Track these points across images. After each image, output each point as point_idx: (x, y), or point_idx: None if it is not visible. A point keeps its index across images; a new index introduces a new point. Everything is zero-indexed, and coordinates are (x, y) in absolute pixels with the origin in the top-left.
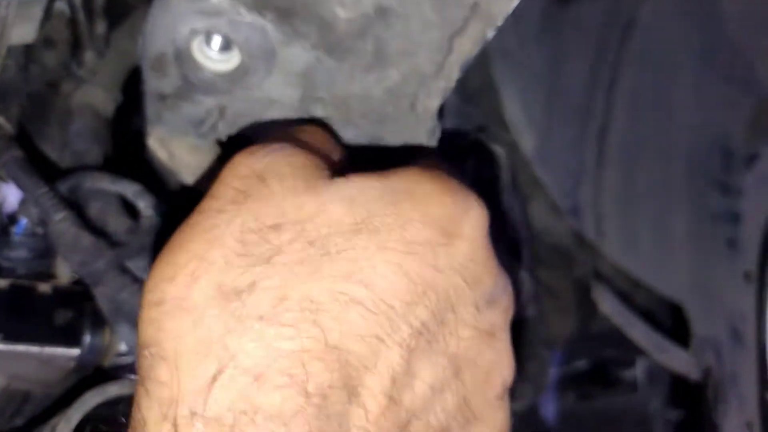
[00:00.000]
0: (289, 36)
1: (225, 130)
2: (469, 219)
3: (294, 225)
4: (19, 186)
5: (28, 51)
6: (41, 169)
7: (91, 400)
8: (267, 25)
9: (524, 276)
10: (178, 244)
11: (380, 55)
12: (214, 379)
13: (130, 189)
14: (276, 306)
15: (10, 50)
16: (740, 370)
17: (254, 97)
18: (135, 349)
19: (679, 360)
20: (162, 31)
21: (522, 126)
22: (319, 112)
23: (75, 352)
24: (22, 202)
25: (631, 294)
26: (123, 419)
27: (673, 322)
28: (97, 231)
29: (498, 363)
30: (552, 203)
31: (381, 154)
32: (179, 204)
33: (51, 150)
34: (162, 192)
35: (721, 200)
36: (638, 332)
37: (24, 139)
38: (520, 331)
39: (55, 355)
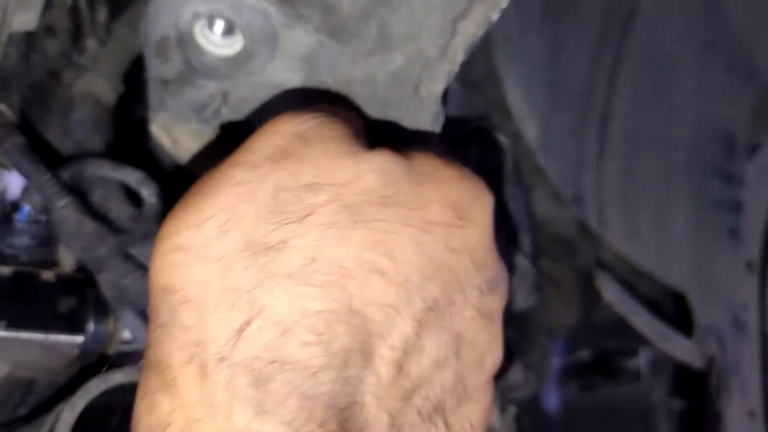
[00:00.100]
0: (292, 19)
1: (228, 116)
2: (480, 205)
3: (331, 187)
4: (22, 173)
5: (29, 39)
6: (43, 157)
7: (95, 387)
8: (269, 8)
9: (526, 265)
10: (207, 193)
11: (384, 39)
12: (242, 328)
13: (132, 176)
14: (306, 266)
15: (12, 38)
16: (743, 358)
17: (257, 82)
18: (139, 336)
19: (682, 349)
20: (164, 14)
21: (524, 114)
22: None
23: (79, 339)
24: (25, 189)
25: (633, 283)
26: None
27: (676, 311)
28: (100, 218)
29: (492, 346)
30: (555, 192)
31: (385, 135)
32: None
33: (53, 139)
34: (165, 180)
35: (723, 189)
36: (641, 321)
37: (26, 127)
38: (523, 321)
39: (59, 342)
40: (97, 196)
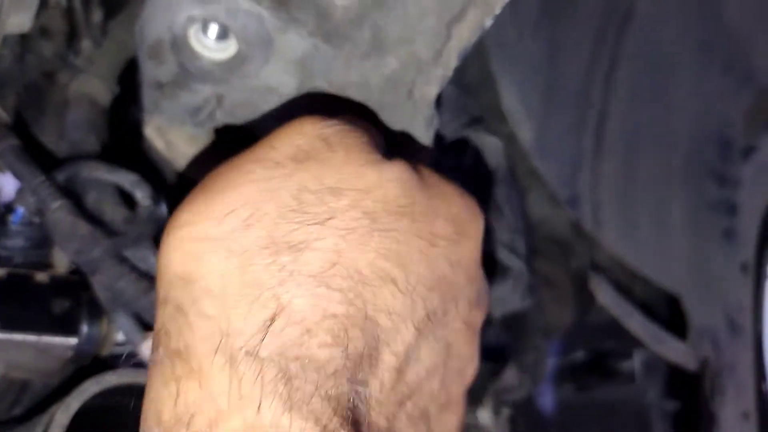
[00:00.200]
0: (286, 23)
1: (222, 119)
2: (475, 223)
3: (352, 192)
4: (16, 175)
5: (24, 40)
6: (38, 159)
7: (89, 389)
8: (263, 12)
9: (521, 266)
10: (228, 186)
11: (378, 43)
12: (266, 324)
13: (127, 178)
14: (327, 269)
15: (6, 39)
16: (737, 360)
17: (252, 86)
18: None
19: (676, 351)
20: (159, 18)
21: (520, 117)
22: None
23: (72, 341)
24: (19, 191)
25: (628, 285)
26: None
27: (670, 313)
28: (94, 220)
29: (473, 358)
30: (549, 194)
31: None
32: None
33: (47, 140)
34: (159, 182)
35: (719, 191)
36: (636, 323)
37: (21, 128)
38: (517, 322)
39: (53, 344)
40: (91, 198)
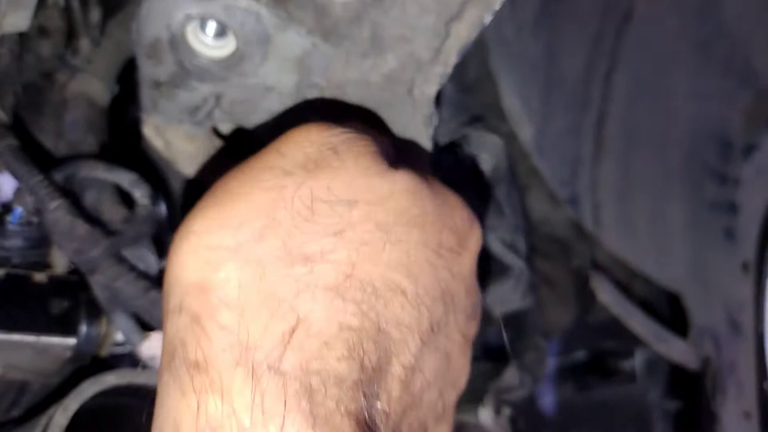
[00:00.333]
0: (284, 21)
1: (221, 118)
2: (474, 235)
3: (365, 205)
4: (14, 175)
5: (22, 40)
6: (36, 159)
7: (88, 389)
8: (261, 9)
9: (521, 266)
10: (239, 193)
11: (377, 41)
12: (285, 337)
13: (125, 178)
14: (342, 282)
15: (4, 39)
16: (738, 359)
17: (250, 84)
18: (132, 339)
19: (677, 350)
20: (156, 16)
21: (519, 116)
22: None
23: (71, 341)
24: (17, 191)
25: (629, 284)
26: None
27: (671, 312)
28: (93, 220)
29: (464, 370)
30: (549, 193)
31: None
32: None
33: (46, 140)
34: (158, 181)
35: (719, 190)
36: (637, 322)
37: (19, 128)
38: (518, 322)
39: (51, 344)
40: (90, 198)
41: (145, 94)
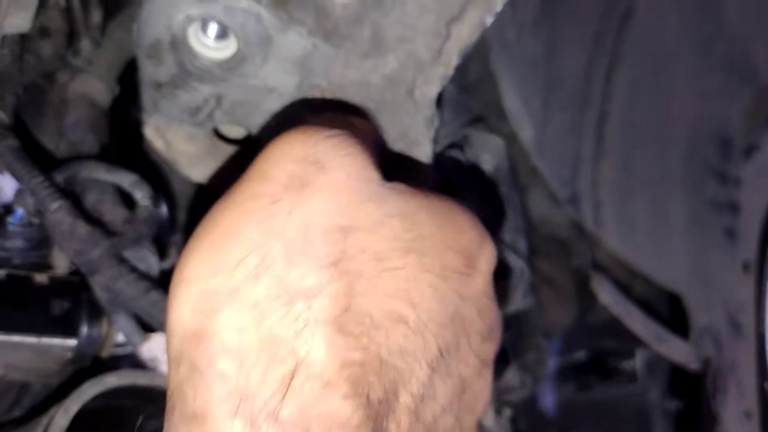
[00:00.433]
0: (285, 22)
1: (222, 119)
2: (485, 254)
3: (359, 233)
4: (15, 176)
5: (23, 41)
6: (37, 159)
7: (89, 390)
8: (262, 11)
9: (522, 266)
10: (229, 231)
11: (377, 42)
12: (285, 382)
13: (126, 179)
14: (340, 315)
15: (5, 40)
16: (739, 359)
17: (251, 85)
18: (133, 340)
19: (678, 350)
20: (157, 17)
21: (520, 116)
22: None
23: (72, 342)
24: (18, 192)
25: (629, 284)
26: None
27: (672, 312)
28: (94, 221)
29: (484, 391)
30: (550, 193)
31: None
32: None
33: (47, 141)
34: (159, 182)
35: (720, 190)
36: (637, 322)
37: (20, 129)
38: (518, 322)
39: (52, 345)
40: (90, 199)
41: (146, 95)
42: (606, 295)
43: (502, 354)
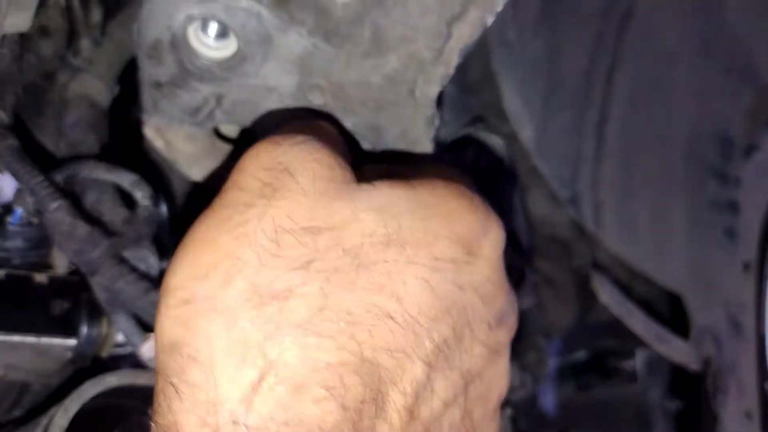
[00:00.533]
0: (286, 22)
1: (222, 119)
2: (488, 239)
3: (329, 231)
4: (15, 175)
5: (22, 40)
6: (37, 159)
7: (89, 390)
8: (263, 10)
9: (522, 266)
10: (205, 239)
11: (378, 41)
12: (254, 386)
13: (126, 179)
14: (314, 316)
15: (5, 39)
16: (739, 359)
17: (251, 85)
18: (133, 340)
19: (678, 350)
20: (158, 17)
21: (521, 116)
22: (317, 99)
23: (72, 342)
24: (18, 192)
25: (630, 284)
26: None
27: (672, 312)
28: (93, 221)
29: (498, 379)
30: (550, 193)
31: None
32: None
33: (47, 140)
34: (159, 182)
35: (720, 190)
36: (637, 322)
37: (19, 129)
38: (519, 322)
39: (52, 345)
40: (90, 199)
41: (146, 95)
42: (606, 295)
43: None
